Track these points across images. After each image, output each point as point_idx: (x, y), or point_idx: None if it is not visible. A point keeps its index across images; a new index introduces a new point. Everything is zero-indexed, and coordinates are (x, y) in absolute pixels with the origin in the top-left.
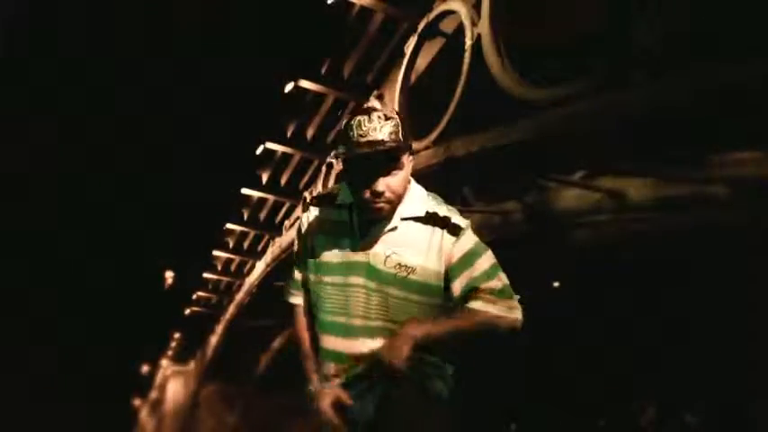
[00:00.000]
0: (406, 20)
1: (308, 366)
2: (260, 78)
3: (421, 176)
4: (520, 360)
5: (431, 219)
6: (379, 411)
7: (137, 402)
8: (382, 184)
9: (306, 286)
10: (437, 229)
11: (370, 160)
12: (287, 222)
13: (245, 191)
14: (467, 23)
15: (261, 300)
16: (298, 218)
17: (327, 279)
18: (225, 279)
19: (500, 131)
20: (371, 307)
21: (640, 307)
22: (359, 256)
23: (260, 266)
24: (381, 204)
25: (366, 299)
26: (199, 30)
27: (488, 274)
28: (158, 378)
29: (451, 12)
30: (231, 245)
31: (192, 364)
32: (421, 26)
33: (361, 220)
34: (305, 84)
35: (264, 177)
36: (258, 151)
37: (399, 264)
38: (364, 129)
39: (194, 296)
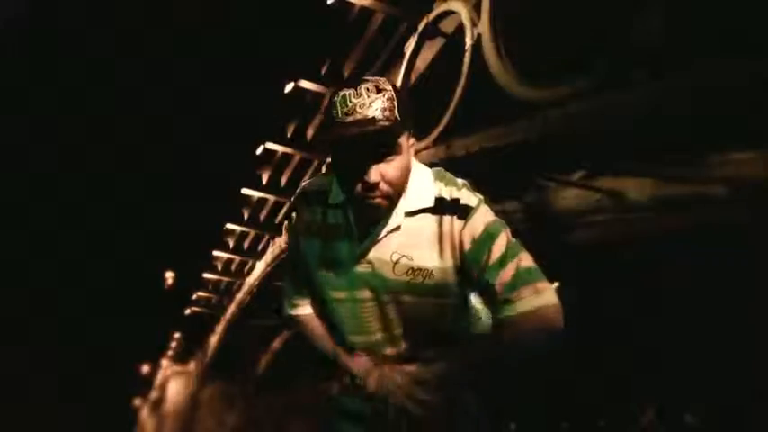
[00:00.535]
0: (405, 20)
1: (342, 358)
2: (260, 79)
3: None
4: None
5: (440, 206)
6: (401, 418)
7: (137, 402)
8: (376, 174)
9: (310, 294)
10: (447, 218)
11: (359, 144)
12: (287, 223)
13: (245, 191)
14: (467, 24)
15: (261, 300)
16: (288, 219)
17: (331, 295)
18: (225, 279)
19: (500, 131)
20: (389, 319)
21: (640, 307)
22: (362, 267)
23: (260, 266)
24: (377, 200)
25: (380, 312)
26: (199, 30)
27: (502, 261)
28: (159, 378)
29: (451, 12)
30: (231, 245)
31: (192, 364)
32: (421, 26)
33: (358, 221)
34: (305, 84)
35: (265, 178)
36: (258, 152)
37: (411, 269)
38: (350, 105)
39: (194, 296)
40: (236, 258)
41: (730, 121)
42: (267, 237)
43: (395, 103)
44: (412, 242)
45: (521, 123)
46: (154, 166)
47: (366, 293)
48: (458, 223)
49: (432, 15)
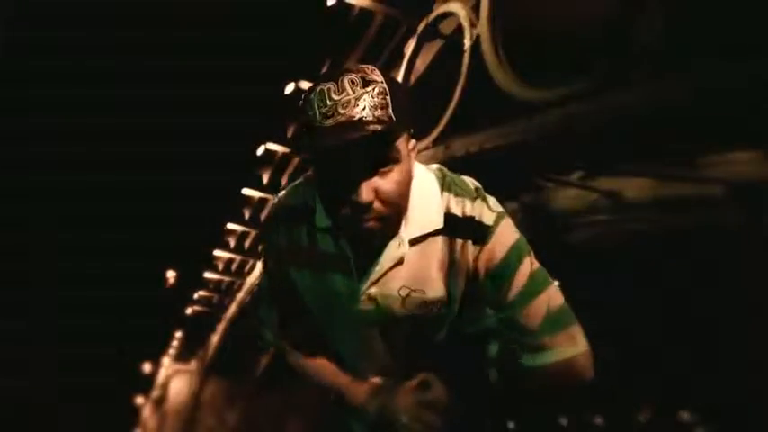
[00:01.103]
0: (405, 21)
1: (341, 389)
2: (261, 79)
3: None
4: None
5: (450, 226)
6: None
7: (139, 401)
8: (368, 192)
9: (299, 326)
10: (459, 241)
11: (345, 154)
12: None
13: (245, 191)
14: (465, 25)
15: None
16: (263, 241)
17: (332, 336)
18: (226, 279)
19: (499, 132)
20: (399, 346)
21: (638, 307)
22: (366, 304)
23: (261, 266)
24: (370, 223)
25: (389, 341)
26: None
27: (527, 295)
28: (160, 376)
29: (450, 13)
30: (232, 245)
31: (193, 363)
32: (420, 28)
33: (352, 250)
34: (305, 85)
35: (265, 178)
36: (259, 152)
37: (424, 301)
38: (330, 103)
39: (196, 296)
40: (237, 258)
41: (729, 121)
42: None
43: (388, 98)
44: (421, 273)
45: (519, 124)
46: (155, 166)
47: (375, 332)
48: (472, 248)
49: (431, 17)
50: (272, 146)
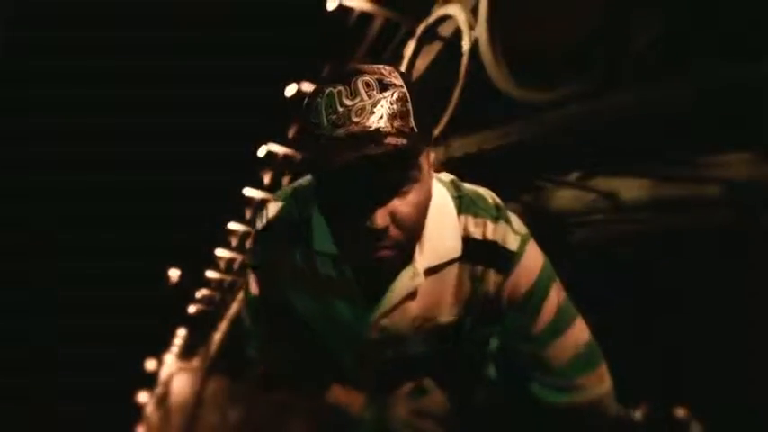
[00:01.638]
0: (404, 24)
1: (339, 393)
2: (262, 80)
3: None
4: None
5: (470, 253)
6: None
7: (143, 398)
8: (383, 217)
9: (285, 339)
10: (479, 268)
11: (358, 172)
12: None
13: (247, 191)
14: (464, 28)
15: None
16: (249, 255)
17: (333, 352)
18: (228, 278)
19: (497, 133)
20: (407, 364)
21: (637, 307)
22: (373, 333)
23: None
24: (383, 252)
25: (397, 370)
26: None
27: (555, 330)
28: (164, 374)
29: (449, 16)
30: (234, 244)
31: (196, 361)
32: (419, 30)
33: (358, 279)
34: (307, 86)
35: (266, 178)
36: (260, 153)
37: (438, 326)
38: (341, 110)
39: (198, 294)
40: (239, 257)
41: (727, 122)
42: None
43: (409, 105)
44: (435, 302)
45: (518, 125)
46: (158, 166)
47: (380, 356)
48: (495, 277)
49: (430, 20)
50: (273, 146)
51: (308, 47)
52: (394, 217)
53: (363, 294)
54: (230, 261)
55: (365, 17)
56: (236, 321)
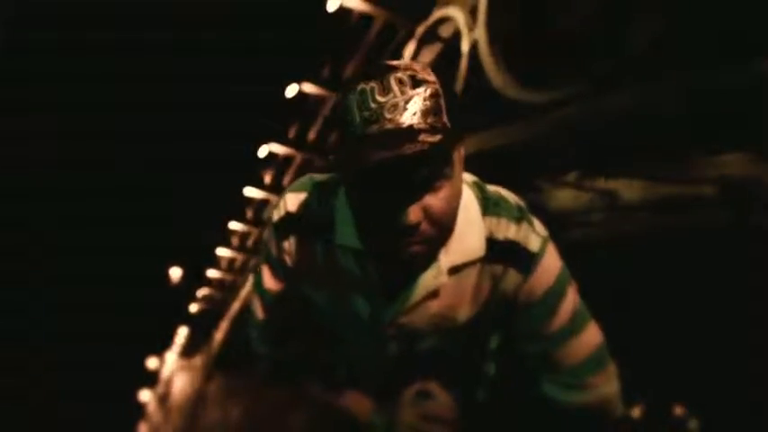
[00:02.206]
0: (404, 26)
1: (348, 396)
2: (263, 81)
3: None
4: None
5: (492, 253)
6: None
7: (144, 396)
8: (416, 213)
9: (300, 335)
10: (499, 267)
11: (390, 167)
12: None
13: (247, 191)
14: (463, 29)
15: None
16: (264, 247)
17: (346, 349)
18: (229, 277)
19: (496, 133)
20: (417, 362)
21: (636, 307)
22: (392, 330)
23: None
24: (414, 247)
25: (404, 368)
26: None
27: (571, 331)
28: (165, 372)
29: (449, 18)
30: (235, 244)
31: (197, 359)
32: (419, 32)
33: (379, 274)
34: (307, 87)
35: (267, 178)
36: (261, 153)
37: (454, 327)
38: (374, 107)
39: (199, 293)
40: (240, 257)
41: (725, 122)
42: (262, 239)
43: (441, 101)
44: (455, 302)
45: (517, 126)
46: (159, 166)
47: (393, 349)
48: (515, 276)
49: (429, 21)
50: (274, 146)
51: (308, 47)
52: (426, 212)
53: (385, 291)
54: (231, 260)
55: (365, 18)
56: (240, 318)
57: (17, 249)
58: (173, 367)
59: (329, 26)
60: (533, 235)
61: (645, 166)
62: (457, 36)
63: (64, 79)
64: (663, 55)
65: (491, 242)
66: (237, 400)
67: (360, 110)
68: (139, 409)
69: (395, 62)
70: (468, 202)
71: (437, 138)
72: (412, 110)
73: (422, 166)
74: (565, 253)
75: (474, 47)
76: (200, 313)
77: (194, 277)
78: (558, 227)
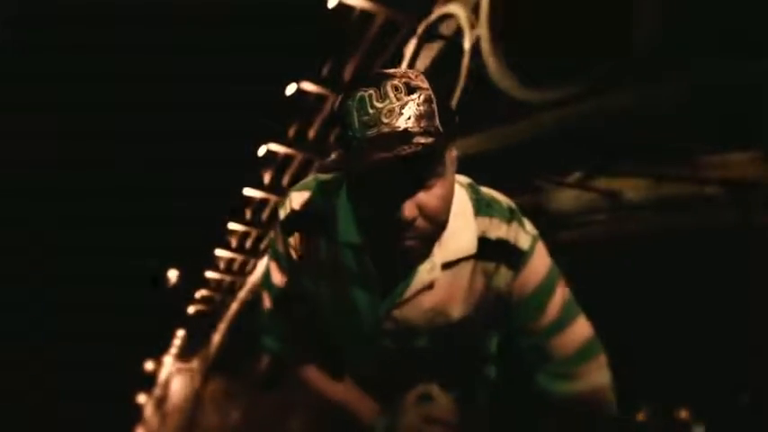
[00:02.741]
0: (405, 23)
1: (354, 401)
2: (263, 80)
3: None
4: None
5: (484, 251)
6: None
7: (141, 399)
8: (411, 209)
9: (305, 329)
10: (491, 265)
11: (388, 169)
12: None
13: (247, 191)
14: (465, 27)
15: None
16: (272, 244)
17: (343, 345)
18: (227, 278)
19: (498, 133)
20: (415, 361)
21: (637, 307)
22: (387, 324)
23: (262, 265)
24: (409, 242)
25: (407, 363)
26: (200, 30)
27: (559, 325)
28: (163, 375)
29: (450, 15)
30: (234, 244)
31: (195, 362)
32: (420, 29)
33: (377, 270)
34: (306, 86)
35: (267, 178)
36: (260, 153)
37: (448, 324)
38: (372, 112)
39: (197, 295)
40: (239, 257)
41: (728, 121)
42: (269, 237)
43: (434, 106)
44: (449, 297)
45: (519, 125)
46: (158, 165)
47: (390, 345)
48: (506, 273)
49: (431, 19)
50: (273, 146)
51: (308, 46)
52: (421, 209)
53: (382, 285)
54: (230, 261)
55: (366, 15)
56: (239, 319)
57: (17, 249)
58: (170, 370)
59: (329, 24)
60: (523, 234)
61: (648, 166)
62: (459, 33)
63: (64, 79)
64: (665, 54)
65: (483, 240)
66: (236, 402)
67: (359, 115)
68: (137, 412)
69: (391, 70)
70: (462, 203)
71: (429, 140)
72: (407, 114)
73: (415, 164)
74: (567, 254)
75: (476, 45)
76: (199, 315)
77: (192, 278)
78: (561, 227)
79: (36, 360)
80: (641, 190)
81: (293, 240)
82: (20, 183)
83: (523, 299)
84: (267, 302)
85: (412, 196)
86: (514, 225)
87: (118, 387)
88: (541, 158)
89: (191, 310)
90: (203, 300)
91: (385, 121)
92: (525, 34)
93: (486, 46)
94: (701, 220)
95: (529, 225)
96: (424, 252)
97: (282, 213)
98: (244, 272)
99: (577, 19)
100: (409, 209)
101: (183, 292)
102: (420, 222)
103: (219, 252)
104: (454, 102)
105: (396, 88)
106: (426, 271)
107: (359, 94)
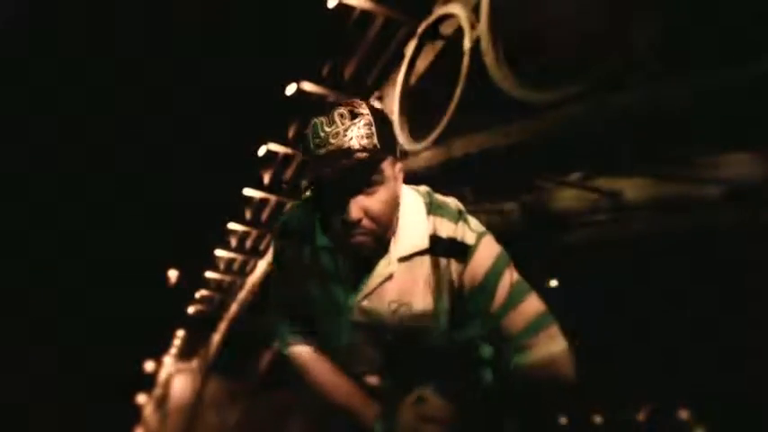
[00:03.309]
0: (405, 23)
1: (357, 404)
2: (262, 80)
3: (421, 177)
4: None
5: (435, 247)
6: None
7: (141, 400)
8: (357, 211)
9: (310, 331)
10: (443, 260)
11: (335, 177)
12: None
13: (247, 191)
14: (466, 27)
15: (263, 298)
16: (275, 253)
17: (329, 337)
18: (227, 278)
19: (499, 132)
20: (393, 355)
21: (638, 306)
22: (359, 316)
23: (262, 265)
24: (359, 238)
25: (386, 356)
26: (200, 30)
27: (508, 305)
28: (162, 376)
29: (451, 15)
30: (234, 244)
31: (195, 362)
32: (421, 29)
33: (348, 267)
34: (306, 86)
35: (266, 178)
36: (260, 152)
37: (412, 315)
38: (323, 135)
39: (197, 295)
40: (239, 257)
41: (728, 122)
42: (269, 237)
43: (373, 128)
44: (409, 289)
45: (519, 125)
46: (157, 165)
47: (366, 337)
48: (456, 266)
49: (431, 19)
50: (273, 146)
51: (307, 46)
52: (366, 211)
53: (352, 281)
54: (230, 261)
55: (366, 15)
56: (234, 322)
57: (17, 249)
58: (170, 370)
59: (329, 24)
60: (469, 231)
61: (649, 167)
62: (459, 34)
63: (64, 79)
64: (667, 55)
65: (435, 238)
66: (236, 403)
67: (313, 138)
68: (137, 412)
69: (341, 101)
70: (416, 205)
71: (365, 155)
72: (349, 136)
73: (357, 175)
74: (568, 254)
75: (476, 45)
76: (199, 315)
77: (192, 278)
78: (561, 227)
79: (36, 360)
80: (641, 190)
81: (287, 250)
82: (20, 183)
83: (474, 287)
84: (276, 310)
85: (357, 200)
86: (461, 224)
87: (118, 387)
88: (542, 158)
89: (191, 310)
90: (203, 300)
91: (332, 141)
92: (526, 35)
93: (486, 46)
94: (700, 220)
95: (474, 223)
96: (377, 248)
97: (278, 231)
98: (244, 272)
99: (578, 19)
100: (355, 210)
101: (183, 292)
102: (366, 222)
103: (219, 252)
104: (455, 102)
105: (341, 115)
106: (384, 265)
107: (313, 121)
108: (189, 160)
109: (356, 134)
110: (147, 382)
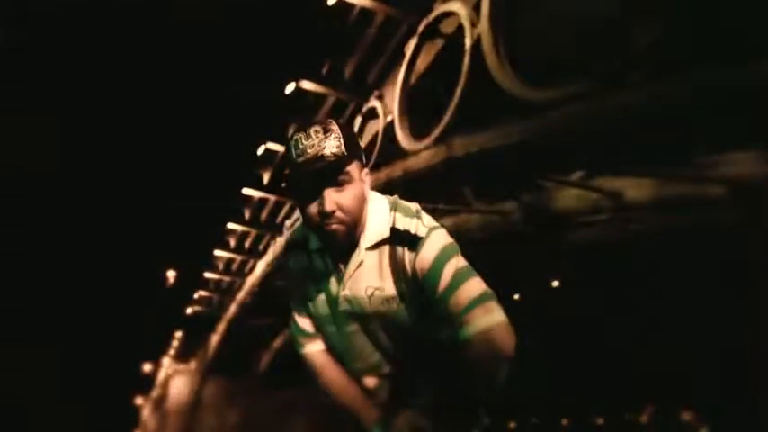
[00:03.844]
0: (406, 21)
1: (360, 407)
2: (262, 79)
3: (421, 177)
4: (517, 358)
5: (395, 237)
6: None
7: (139, 401)
8: (331, 203)
9: (318, 329)
10: (400, 249)
11: (314, 180)
12: (288, 222)
13: (246, 191)
14: (466, 25)
15: (262, 298)
16: (283, 267)
17: (327, 330)
18: (226, 278)
19: (499, 132)
20: (380, 342)
21: (638, 306)
22: (344, 305)
23: (261, 266)
24: (334, 226)
25: (371, 339)
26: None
27: (452, 287)
28: (161, 376)
29: (451, 13)
30: (233, 244)
31: (194, 363)
32: (421, 27)
33: (335, 262)
34: (306, 85)
35: (266, 178)
36: (259, 152)
37: (385, 299)
38: (301, 147)
39: (196, 295)
40: (238, 258)
41: (728, 121)
42: (268, 236)
43: (341, 140)
44: (378, 274)
45: (520, 124)
46: (156, 164)
47: (354, 326)
48: (409, 254)
49: (432, 17)
50: (272, 146)
51: (307, 44)
52: (338, 204)
53: (337, 275)
54: (228, 262)
55: (366, 13)
56: (233, 323)
57: (17, 250)
58: (168, 371)
59: (329, 23)
60: (422, 226)
61: (650, 166)
62: (460, 32)
63: (64, 79)
64: (668, 54)
65: (394, 231)
66: (235, 403)
67: (294, 150)
68: (134, 414)
69: (316, 120)
70: (381, 205)
71: (334, 159)
72: (323, 146)
73: (328, 175)
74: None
75: (477, 43)
76: (197, 315)
77: (191, 279)
78: (563, 227)
79: (36, 360)
80: (642, 190)
81: (292, 258)
82: (20, 183)
83: (425, 273)
84: (294, 318)
85: (331, 195)
86: (416, 220)
87: (115, 389)
88: (543, 158)
89: (189, 310)
90: (202, 300)
91: (309, 151)
92: (527, 33)
93: (487, 45)
94: (701, 219)
95: (428, 220)
96: (348, 237)
97: (283, 246)
98: (242, 272)
99: (579, 19)
100: (329, 203)
101: (182, 292)
102: (339, 214)
103: (218, 252)
104: (455, 100)
105: (316, 131)
106: (356, 254)
107: (295, 136)
108: (188, 160)
109: (328, 144)
110: (146, 383)
